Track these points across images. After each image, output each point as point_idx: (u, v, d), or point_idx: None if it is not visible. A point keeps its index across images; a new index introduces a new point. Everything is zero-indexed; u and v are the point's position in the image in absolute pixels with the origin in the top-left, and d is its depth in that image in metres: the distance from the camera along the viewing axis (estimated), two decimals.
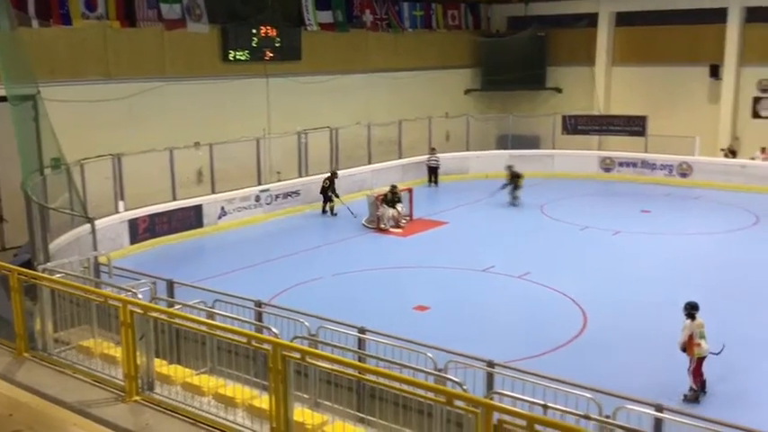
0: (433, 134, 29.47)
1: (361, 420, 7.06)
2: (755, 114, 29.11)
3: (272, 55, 24.66)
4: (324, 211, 23.18)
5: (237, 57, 23.98)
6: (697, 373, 10.90)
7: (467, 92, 33.57)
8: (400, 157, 27.90)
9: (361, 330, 9.25)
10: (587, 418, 6.18)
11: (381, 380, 6.07)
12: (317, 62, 26.37)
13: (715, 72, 29.23)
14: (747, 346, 12.57)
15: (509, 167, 24.69)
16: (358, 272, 17.31)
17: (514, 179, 24.32)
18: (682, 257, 18.15)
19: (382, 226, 21.25)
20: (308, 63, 25.98)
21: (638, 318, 14.08)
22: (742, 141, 28.93)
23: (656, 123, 28.11)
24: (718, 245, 19.49)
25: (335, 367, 6.42)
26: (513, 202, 24.20)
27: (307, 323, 9.21)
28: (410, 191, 22.83)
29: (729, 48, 28.78)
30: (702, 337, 10.86)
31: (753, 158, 27.00)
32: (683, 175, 27.39)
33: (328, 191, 23.09)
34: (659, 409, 7.23)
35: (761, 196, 24.66)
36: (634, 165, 28.45)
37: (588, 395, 7.29)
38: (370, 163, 26.61)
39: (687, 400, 10.77)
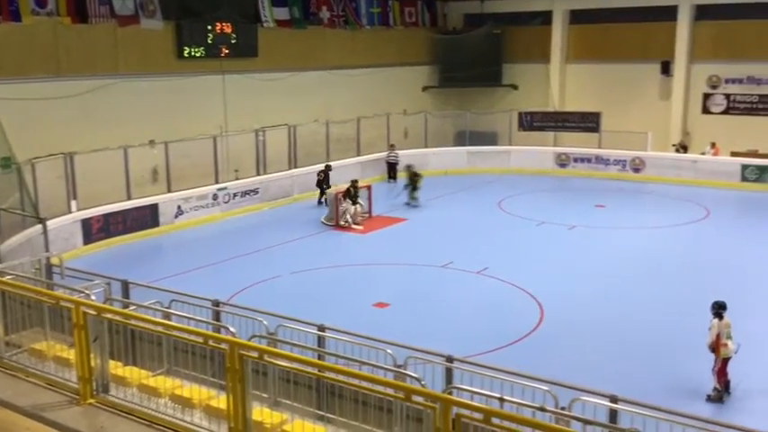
0: (392, 131, 29.55)
1: (321, 418, 7.06)
2: (705, 110, 29.85)
3: (227, 52, 24.41)
4: (320, 202, 23.83)
5: (193, 53, 23.66)
6: (722, 373, 10.78)
7: (424, 89, 33.71)
8: (359, 155, 27.92)
9: (321, 328, 9.23)
10: (543, 410, 6.27)
11: (341, 377, 6.07)
12: (274, 59, 26.20)
13: (666, 69, 29.88)
14: (700, 337, 12.86)
15: (408, 167, 24.43)
16: (317, 269, 17.26)
17: (414, 179, 23.95)
18: (636, 251, 18.53)
19: (343, 223, 21.22)
20: (265, 60, 25.79)
21: (594, 310, 14.33)
22: (693, 137, 29.63)
23: (609, 119, 28.63)
24: (670, 238, 19.94)
25: (295, 366, 6.40)
26: (411, 202, 23.80)
27: (265, 322, 9.16)
28: (369, 188, 22.85)
29: (680, 45, 29.45)
30: (729, 337, 10.72)
31: (703, 153, 27.66)
32: (636, 170, 27.96)
33: (323, 183, 23.94)
34: (614, 399, 7.37)
35: (711, 190, 25.32)
36: (588, 160, 28.93)
37: (545, 387, 7.39)
38: (328, 160, 26.52)
39: (711, 400, 10.73)
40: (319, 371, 6.59)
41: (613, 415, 7.36)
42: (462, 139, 30.96)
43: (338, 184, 24.55)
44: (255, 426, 6.10)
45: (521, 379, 7.74)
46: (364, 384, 5.77)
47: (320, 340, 9.24)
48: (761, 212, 23.13)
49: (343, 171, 25.94)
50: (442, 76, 33.81)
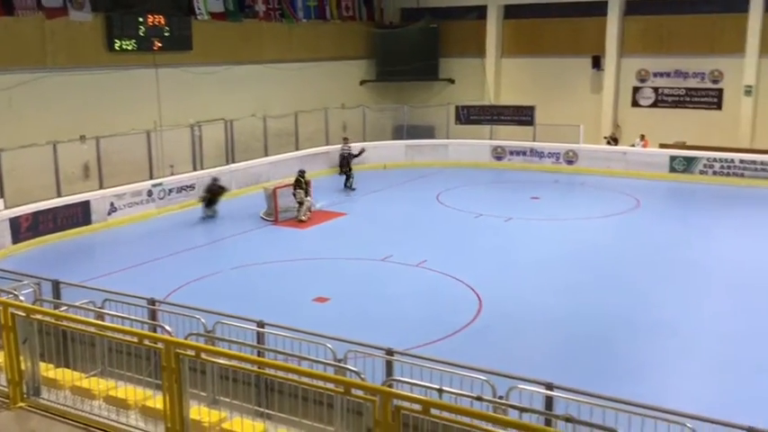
0: (330, 125, 29.47)
1: (261, 415, 7.02)
2: (635, 103, 30.76)
3: (160, 45, 23.89)
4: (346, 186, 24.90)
5: (124, 46, 23.07)
6: None
7: (362, 83, 33.72)
8: (297, 149, 27.74)
9: (260, 324, 9.15)
10: (480, 399, 6.38)
11: (280, 373, 6.05)
12: (209, 52, 25.79)
13: (597, 63, 30.65)
14: (632, 325, 13.30)
15: (214, 181, 21.92)
16: (257, 265, 17.11)
17: (216, 194, 21.59)
18: (570, 241, 18.97)
19: (303, 217, 21.13)
20: (200, 53, 25.36)
21: (531, 301, 14.61)
22: (623, 129, 30.51)
23: (543, 113, 29.19)
24: (603, 228, 20.48)
25: (233, 363, 6.35)
26: (207, 214, 21.44)
27: (203, 319, 9.03)
28: (308, 182, 22.71)
29: (610, 40, 30.24)
30: None
31: (633, 145, 28.49)
32: (570, 162, 28.61)
33: (346, 167, 24.98)
34: (549, 387, 7.53)
35: (641, 181, 26.11)
36: (524, 153, 29.46)
37: (483, 377, 7.50)
38: (266, 155, 26.32)
39: None
40: (259, 367, 6.55)
41: (549, 402, 7.53)
42: (400, 132, 31.12)
43: (275, 179, 24.44)
44: (193, 425, 6.03)
45: (459, 369, 7.84)
46: (304, 380, 5.75)
47: (260, 336, 9.16)
48: (688, 201, 23.99)
49: (282, 166, 25.80)
50: (379, 71, 33.89)
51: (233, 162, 24.86)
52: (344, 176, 25.45)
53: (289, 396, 7.09)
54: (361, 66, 33.61)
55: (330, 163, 28.29)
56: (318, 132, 28.94)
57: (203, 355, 5.91)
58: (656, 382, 11.02)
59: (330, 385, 5.95)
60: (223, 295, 14.38)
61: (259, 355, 8.17)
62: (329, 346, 8.15)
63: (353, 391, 5.25)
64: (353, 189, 24.82)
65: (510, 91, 32.69)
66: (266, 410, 6.88)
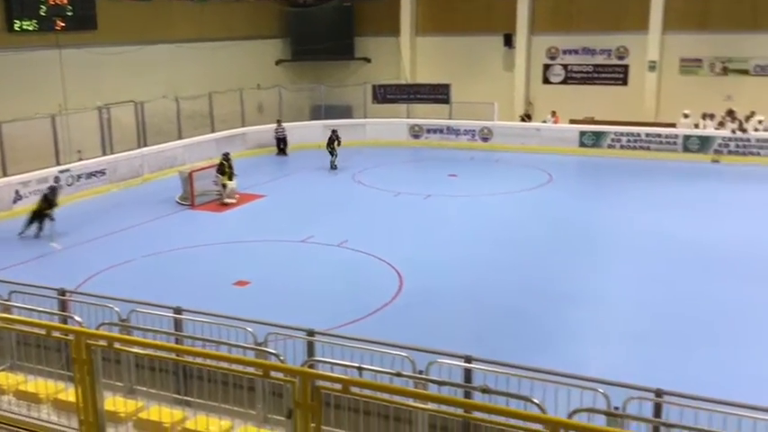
0: (246, 106, 28.96)
1: (181, 402, 6.90)
2: (546, 80, 31.52)
3: (63, 24, 22.86)
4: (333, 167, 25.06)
5: (24, 27, 22.01)
6: None
7: (278, 62, 33.27)
8: (213, 131, 27.17)
9: (177, 310, 8.96)
10: (399, 375, 6.46)
11: (199, 360, 5.95)
12: (116, 32, 24.84)
13: (509, 41, 31.20)
14: (546, 296, 13.72)
15: (50, 190, 18.49)
16: (174, 251, 16.73)
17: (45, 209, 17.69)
18: (487, 217, 19.37)
19: (227, 200, 20.77)
20: (106, 33, 24.39)
21: (451, 276, 14.86)
22: (535, 106, 31.24)
23: (458, 91, 29.53)
24: (518, 203, 20.97)
25: (149, 351, 6.20)
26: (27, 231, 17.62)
27: (117, 308, 8.77)
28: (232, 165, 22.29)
29: (521, 18, 30.82)
30: None
31: (545, 122, 29.24)
32: (485, 139, 29.11)
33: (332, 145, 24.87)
34: (468, 360, 7.70)
35: (553, 156, 26.84)
36: (440, 131, 29.79)
37: (403, 354, 7.60)
38: (180, 138, 25.67)
39: None
40: (177, 355, 6.43)
41: (468, 374, 7.70)
42: (318, 112, 30.92)
43: (191, 162, 23.93)
44: (109, 416, 5.88)
45: (380, 347, 7.92)
46: (223, 365, 5.69)
47: (177, 323, 8.98)
48: (597, 175, 24.83)
49: (197, 149, 25.25)
50: (294, 50, 33.50)
51: (145, 146, 24.15)
52: (330, 155, 25.38)
53: (208, 382, 7.01)
54: (276, 45, 33.12)
55: (247, 145, 27.89)
56: (234, 113, 28.40)
57: (117, 345, 5.74)
58: (569, 350, 11.42)
59: (251, 369, 5.89)
60: (138, 284, 14.00)
61: (178, 343, 8.02)
62: (249, 329, 8.06)
63: (273, 374, 5.22)
64: (336, 168, 25.13)
65: (426, 69, 32.91)
66: (185, 398, 6.76)
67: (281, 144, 28.25)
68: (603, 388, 6.95)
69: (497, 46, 31.55)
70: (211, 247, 17.04)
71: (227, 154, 21.76)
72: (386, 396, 5.15)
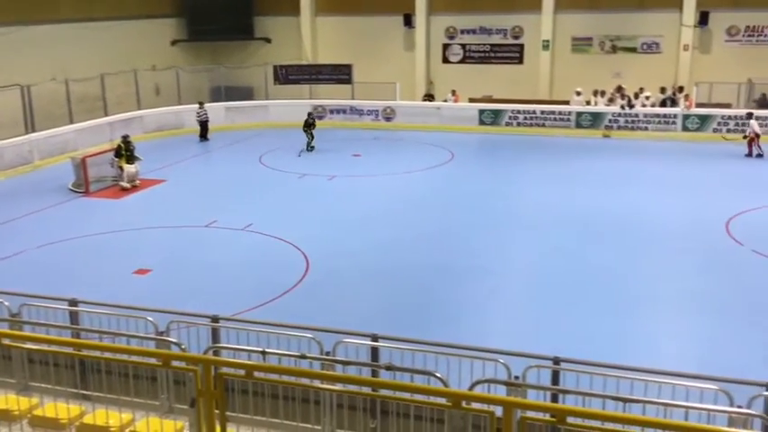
0: (141, 88, 27.96)
1: (80, 396, 6.68)
2: (445, 60, 31.96)
3: None
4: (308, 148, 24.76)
5: None
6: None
7: (173, 43, 32.26)
8: (106, 115, 26.11)
9: (73, 303, 8.63)
10: (303, 357, 6.48)
11: (97, 352, 5.77)
12: None
13: (408, 21, 31.40)
14: (451, 271, 14.02)
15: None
16: (68, 241, 16.04)
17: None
18: (391, 196, 19.54)
19: (125, 185, 20.05)
20: None
21: (357, 257, 14.93)
22: (436, 85, 31.65)
23: (360, 71, 29.54)
24: (421, 181, 21.26)
25: (43, 347, 5.96)
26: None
27: (6, 303, 8.36)
28: (132, 149, 21.47)
29: None
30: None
31: (445, 100, 29.68)
32: (388, 119, 29.29)
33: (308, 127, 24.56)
34: (375, 338, 7.80)
35: (454, 135, 27.33)
36: (344, 111, 29.75)
37: (309, 335, 7.61)
38: (72, 122, 24.55)
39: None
40: (76, 349, 6.21)
41: (375, 353, 7.80)
42: (218, 94, 30.25)
43: (84, 147, 22.97)
44: (1, 415, 5.61)
45: (286, 330, 7.91)
46: (119, 357, 5.53)
47: (74, 316, 8.65)
48: (497, 151, 25.44)
49: (91, 133, 24.26)
50: (190, 30, 32.56)
51: (33, 131, 22.96)
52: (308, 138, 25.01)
53: (108, 374, 6.81)
54: (171, 24, 32.08)
55: (145, 128, 27.01)
56: (129, 96, 27.38)
57: (6, 341, 5.48)
58: (474, 323, 11.74)
59: (152, 360, 5.75)
60: (30, 276, 13.36)
61: (75, 336, 7.74)
62: (150, 319, 7.87)
63: (175, 363, 5.12)
64: (311, 149, 24.87)
65: (327, 50, 32.72)
66: (83, 392, 6.55)
67: (204, 127, 27.10)
68: (504, 358, 7.20)
69: (397, 26, 31.71)
70: (109, 236, 16.45)
71: (126, 136, 21.02)
72: (292, 379, 5.15)
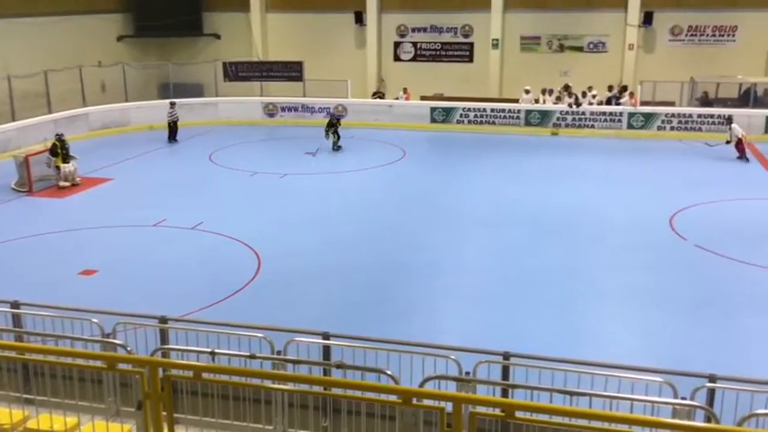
0: (87, 85, 27.32)
1: (22, 401, 6.50)
2: (397, 58, 32.06)
3: None
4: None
5: None
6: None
7: (120, 38, 31.62)
8: (50, 112, 25.45)
9: (14, 305, 8.39)
10: (253, 357, 6.42)
11: (40, 356, 5.62)
12: None
13: (360, 19, 31.39)
14: (403, 269, 14.07)
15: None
16: (10, 241, 15.59)
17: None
18: (344, 194, 19.52)
19: (63, 184, 19.54)
20: None
21: (310, 254, 14.87)
22: (388, 83, 31.71)
23: (312, 68, 29.42)
24: (373, 179, 21.29)
25: None
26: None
27: None
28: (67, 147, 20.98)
29: None
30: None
31: (397, 98, 29.76)
32: (340, 116, 29.16)
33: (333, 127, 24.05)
34: (326, 336, 7.78)
35: (406, 132, 27.42)
36: (295, 109, 29.57)
37: (260, 335, 7.55)
38: (14, 119, 23.86)
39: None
40: (18, 352, 6.04)
41: (327, 351, 7.78)
42: (166, 91, 29.74)
43: (27, 145, 22.35)
44: None
45: (237, 330, 7.82)
46: (63, 360, 5.40)
47: (16, 318, 8.41)
48: (448, 149, 25.62)
49: (34, 130, 23.60)
50: (137, 25, 31.96)
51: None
52: (332, 137, 24.41)
53: (53, 378, 6.65)
54: (117, 20, 31.45)
55: (91, 126, 26.42)
56: (74, 93, 26.73)
57: None
58: (426, 320, 11.80)
59: (99, 362, 5.63)
60: None
61: (17, 339, 7.54)
62: (95, 321, 7.70)
63: (120, 365, 5.02)
64: (338, 149, 24.32)
65: (278, 47, 32.50)
66: (27, 396, 6.38)
67: (173, 128, 25.99)
68: (455, 354, 7.25)
69: (348, 23, 31.66)
70: (54, 236, 16.04)
71: (61, 134, 20.51)
72: (242, 379, 5.10)
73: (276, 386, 5.50)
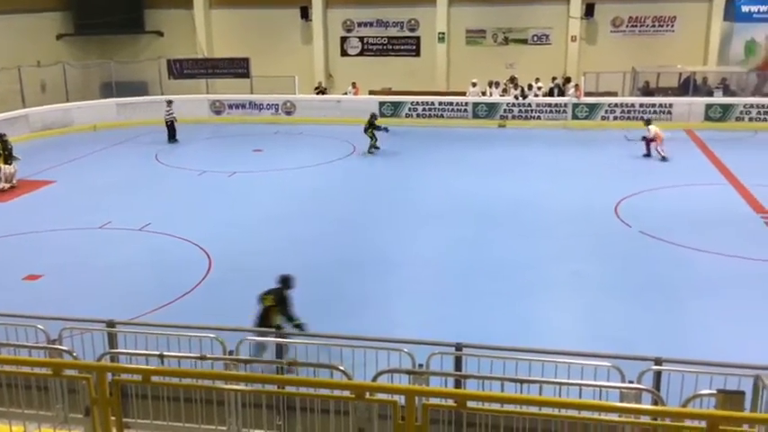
0: (26, 85, 26.57)
1: None
2: (344, 53, 31.98)
3: None
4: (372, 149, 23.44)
5: None
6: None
7: (59, 37, 30.80)
8: None
9: None
10: (203, 358, 6.36)
11: None
12: None
13: (305, 14, 31.21)
14: (357, 264, 14.07)
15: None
16: None
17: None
18: (294, 190, 19.40)
19: (2, 186, 19.10)
20: None
21: (261, 253, 14.70)
22: (336, 78, 31.61)
23: (258, 65, 29.15)
24: (323, 175, 21.19)
25: None
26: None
27: None
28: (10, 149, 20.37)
29: None
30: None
31: (345, 93, 29.69)
32: (288, 113, 29.04)
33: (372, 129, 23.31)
34: (279, 335, 7.77)
35: (355, 127, 27.28)
36: (243, 106, 29.27)
37: (211, 335, 7.47)
38: None
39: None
40: None
41: (280, 349, 7.75)
42: (109, 90, 29.13)
43: None
44: None
45: (188, 331, 7.73)
46: (7, 368, 5.25)
47: None
48: (398, 143, 25.63)
49: None
50: (77, 24, 31.19)
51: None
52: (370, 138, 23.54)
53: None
54: (56, 18, 30.63)
55: (31, 127, 25.72)
56: (13, 93, 25.97)
57: None
58: (379, 315, 11.82)
59: (44, 369, 5.50)
60: None
61: None
62: (40, 327, 7.51)
63: (66, 372, 4.91)
64: (375, 150, 23.55)
65: (223, 43, 32.11)
66: None
67: (172, 128, 25.17)
68: (408, 347, 7.30)
69: (294, 19, 31.45)
70: None
71: (3, 135, 19.92)
72: (192, 381, 5.04)
73: (228, 386, 5.45)
